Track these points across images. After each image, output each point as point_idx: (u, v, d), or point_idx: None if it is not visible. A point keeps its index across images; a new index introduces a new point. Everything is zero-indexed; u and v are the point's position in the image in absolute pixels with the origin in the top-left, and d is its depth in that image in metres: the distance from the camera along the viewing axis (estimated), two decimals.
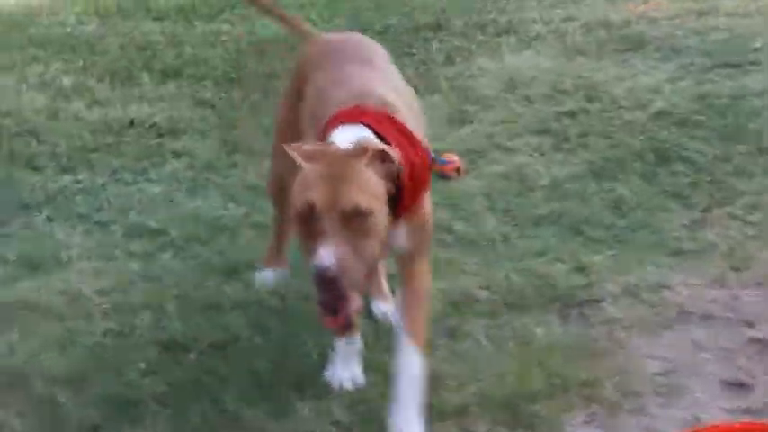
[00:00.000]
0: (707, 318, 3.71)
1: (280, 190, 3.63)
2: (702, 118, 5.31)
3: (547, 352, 3.52)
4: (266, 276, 4.07)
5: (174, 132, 5.84)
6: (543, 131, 5.40)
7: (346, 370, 3.41)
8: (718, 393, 3.31)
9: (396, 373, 3.14)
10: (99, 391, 3.51)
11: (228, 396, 3.41)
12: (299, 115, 3.42)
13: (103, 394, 3.49)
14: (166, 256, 4.44)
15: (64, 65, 7.09)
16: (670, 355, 3.51)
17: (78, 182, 5.25)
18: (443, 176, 4.04)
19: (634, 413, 3.25)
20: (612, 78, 6.09)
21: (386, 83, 3.24)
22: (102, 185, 5.23)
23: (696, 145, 5.03)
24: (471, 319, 3.75)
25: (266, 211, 4.58)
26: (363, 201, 2.73)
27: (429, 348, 3.24)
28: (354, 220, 2.72)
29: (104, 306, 4.05)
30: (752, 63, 6.12)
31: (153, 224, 4.73)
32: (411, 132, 2.97)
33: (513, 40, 7.04)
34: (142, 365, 3.63)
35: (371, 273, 3.01)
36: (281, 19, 4.03)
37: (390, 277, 3.72)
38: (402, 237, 3.04)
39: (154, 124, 5.97)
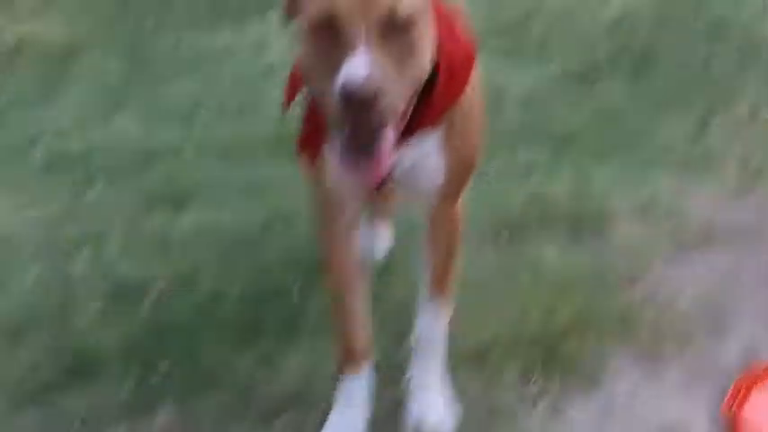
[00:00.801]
0: (737, 234, 3.29)
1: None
2: (674, 17, 4.87)
3: (565, 281, 3.06)
4: None
5: (72, 53, 5.31)
6: (498, 35, 4.85)
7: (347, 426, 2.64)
8: None
9: (417, 333, 2.64)
10: (42, 344, 2.99)
11: (204, 345, 2.88)
12: None
13: (48, 347, 2.97)
14: (98, 186, 3.85)
15: None
16: (707, 281, 3.08)
17: None
18: None
19: (682, 347, 2.83)
20: None
21: None
22: (3, 113, 4.65)
23: (678, 45, 4.59)
24: (469, 247, 3.23)
25: (202, 133, 4.20)
26: (403, 3, 2.00)
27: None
28: (391, 31, 1.98)
29: (31, 245, 3.48)
30: None
31: (72, 151, 4.14)
32: (447, 10, 2.31)
33: None
34: (91, 314, 3.09)
35: (408, 107, 2.11)
36: None
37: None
38: (432, 160, 2.34)
39: (47, 43, 5.43)
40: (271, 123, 4.13)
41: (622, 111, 4.06)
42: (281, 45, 5.06)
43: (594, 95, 4.19)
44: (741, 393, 2.63)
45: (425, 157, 2.31)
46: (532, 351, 2.78)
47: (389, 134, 2.01)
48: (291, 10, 2.12)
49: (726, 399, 2.64)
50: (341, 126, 2.00)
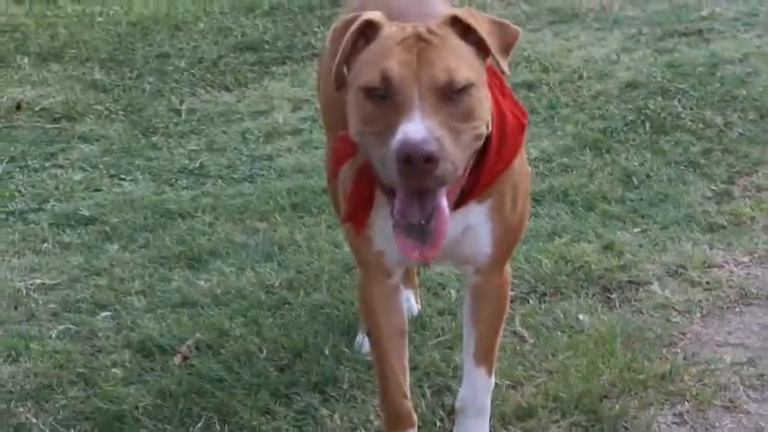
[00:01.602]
0: None
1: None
2: (684, 86, 4.90)
3: (603, 342, 3.01)
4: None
5: (72, 116, 5.35)
6: None
7: None
8: None
9: (461, 398, 2.57)
10: (69, 404, 2.88)
11: (235, 402, 2.81)
12: None
13: (76, 409, 2.86)
14: (112, 246, 3.79)
15: None
16: (747, 342, 3.05)
17: None
18: None
19: (727, 409, 2.77)
20: (560, 49, 5.65)
21: None
22: (8, 174, 4.60)
23: (692, 113, 4.60)
24: None
25: (213, 194, 4.19)
26: (461, 71, 2.00)
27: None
28: (448, 97, 1.98)
29: (51, 305, 3.39)
30: (708, 31, 5.78)
31: (83, 212, 4.08)
32: (503, 79, 2.30)
33: None
34: (117, 372, 3.00)
35: (465, 173, 2.09)
36: None
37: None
38: (482, 229, 2.30)
39: (45, 108, 5.46)
40: (280, 185, 4.11)
41: (639, 175, 4.06)
42: (283, 110, 5.07)
43: (612, 161, 4.19)
44: None
45: (474, 227, 2.28)
46: (576, 413, 2.72)
47: (445, 205, 2.00)
48: (340, 83, 2.11)
49: None
50: (396, 191, 1.99)
